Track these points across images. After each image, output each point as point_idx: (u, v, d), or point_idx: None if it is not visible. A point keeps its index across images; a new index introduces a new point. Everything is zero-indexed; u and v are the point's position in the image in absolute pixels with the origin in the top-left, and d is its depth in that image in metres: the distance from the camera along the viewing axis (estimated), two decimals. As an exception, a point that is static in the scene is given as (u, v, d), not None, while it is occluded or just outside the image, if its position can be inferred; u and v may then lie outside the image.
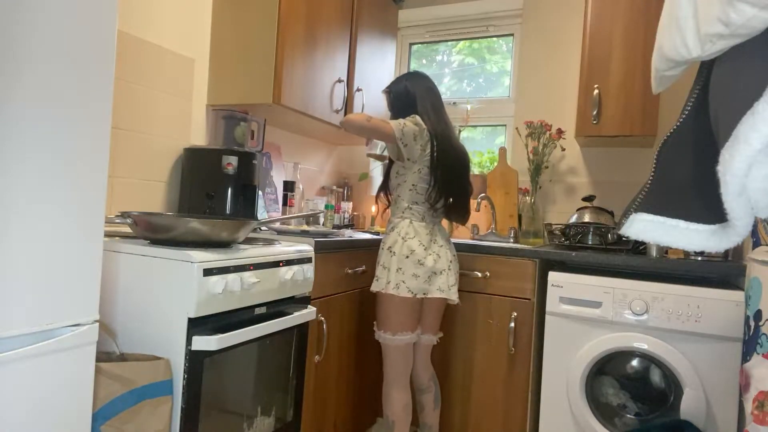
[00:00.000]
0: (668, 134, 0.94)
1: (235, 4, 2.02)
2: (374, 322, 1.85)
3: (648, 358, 1.78)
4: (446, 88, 3.07)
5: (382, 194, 1.92)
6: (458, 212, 1.92)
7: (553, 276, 1.89)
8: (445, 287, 1.76)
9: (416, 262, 1.72)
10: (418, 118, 1.77)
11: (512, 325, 1.99)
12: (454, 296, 1.78)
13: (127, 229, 1.49)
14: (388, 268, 1.75)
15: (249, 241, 1.59)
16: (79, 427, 0.99)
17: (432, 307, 1.88)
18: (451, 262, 1.80)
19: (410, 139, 1.72)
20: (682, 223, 0.89)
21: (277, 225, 2.05)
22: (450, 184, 1.81)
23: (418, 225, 1.78)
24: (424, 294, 1.74)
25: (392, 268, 1.74)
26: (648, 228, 0.92)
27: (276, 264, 1.48)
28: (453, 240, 2.26)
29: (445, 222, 1.99)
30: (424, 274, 1.73)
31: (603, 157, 2.53)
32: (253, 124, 2.13)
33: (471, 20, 2.91)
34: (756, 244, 1.44)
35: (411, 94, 1.83)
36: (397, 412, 1.80)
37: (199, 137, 2.06)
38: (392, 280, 1.73)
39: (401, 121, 1.74)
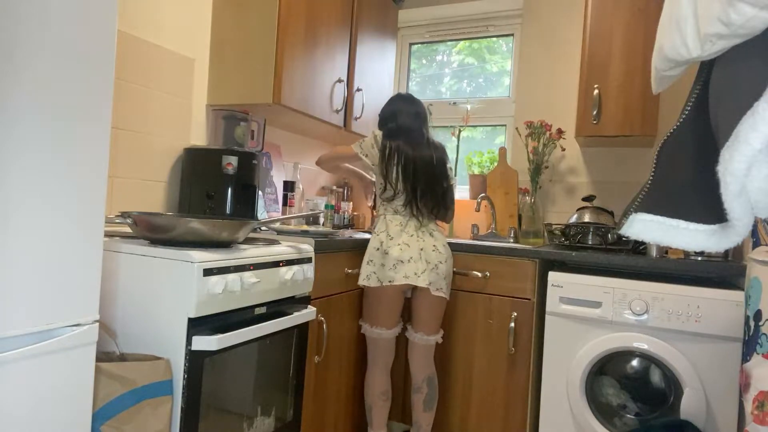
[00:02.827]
0: (668, 134, 0.94)
1: (235, 4, 2.02)
2: None
3: (648, 358, 1.78)
4: (446, 88, 3.07)
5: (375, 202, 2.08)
6: (430, 208, 1.97)
7: (553, 276, 1.89)
8: (411, 274, 1.83)
9: (383, 253, 1.86)
10: (375, 130, 2.00)
11: (512, 325, 1.99)
12: (422, 282, 1.82)
13: (127, 229, 1.49)
14: (363, 261, 1.91)
15: (249, 241, 1.59)
16: (79, 427, 0.99)
17: (422, 305, 1.91)
18: (422, 250, 1.86)
19: (369, 148, 1.96)
20: (682, 223, 0.89)
21: (277, 225, 2.05)
22: (406, 181, 1.91)
23: (391, 218, 1.93)
24: (390, 281, 1.84)
25: (365, 260, 1.89)
26: (648, 228, 0.92)
27: (276, 264, 1.48)
28: (454, 240, 2.26)
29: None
30: (389, 263, 1.84)
31: (603, 157, 2.53)
32: (253, 124, 2.13)
33: (471, 20, 2.91)
34: (756, 244, 1.44)
35: (380, 118, 2.07)
36: (373, 397, 1.96)
37: (199, 137, 2.06)
38: (364, 271, 1.88)
39: (361, 139, 2.02)
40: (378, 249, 1.87)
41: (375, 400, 1.96)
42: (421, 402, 1.96)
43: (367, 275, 1.87)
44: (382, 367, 1.97)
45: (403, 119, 1.98)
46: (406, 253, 1.84)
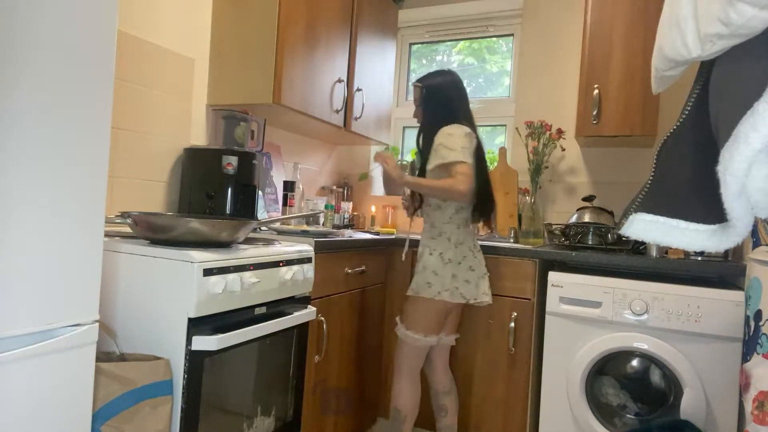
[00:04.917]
0: (668, 134, 0.94)
1: (235, 4, 2.02)
2: (398, 318, 1.86)
3: (648, 358, 1.78)
4: (446, 88, 3.07)
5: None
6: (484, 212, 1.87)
7: (553, 276, 1.89)
8: (487, 290, 1.79)
9: (468, 268, 1.76)
10: (454, 126, 1.74)
11: (512, 325, 1.99)
12: (489, 299, 1.80)
13: (127, 229, 1.49)
14: (440, 274, 1.73)
15: (249, 241, 1.59)
16: (79, 427, 0.99)
17: (458, 309, 1.88)
18: (486, 266, 1.84)
19: (470, 150, 1.74)
20: (682, 223, 0.89)
21: (277, 225, 2.05)
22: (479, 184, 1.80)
23: (463, 230, 1.79)
24: (475, 299, 1.76)
25: (445, 273, 1.73)
26: (648, 228, 0.92)
27: (276, 264, 1.48)
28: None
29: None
30: (474, 280, 1.76)
31: (603, 157, 2.53)
32: (253, 124, 2.13)
33: (471, 20, 2.91)
34: (756, 244, 1.44)
35: (439, 90, 1.82)
36: (409, 407, 1.83)
37: (199, 137, 2.06)
38: (446, 285, 1.73)
39: (458, 146, 1.69)
40: (461, 263, 1.75)
41: (411, 411, 1.84)
42: (455, 401, 1.93)
43: (451, 291, 1.73)
44: (418, 373, 1.85)
45: (464, 97, 1.82)
46: (481, 269, 1.80)
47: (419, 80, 1.87)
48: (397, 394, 1.84)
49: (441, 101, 1.82)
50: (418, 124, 1.89)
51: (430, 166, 1.75)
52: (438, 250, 1.76)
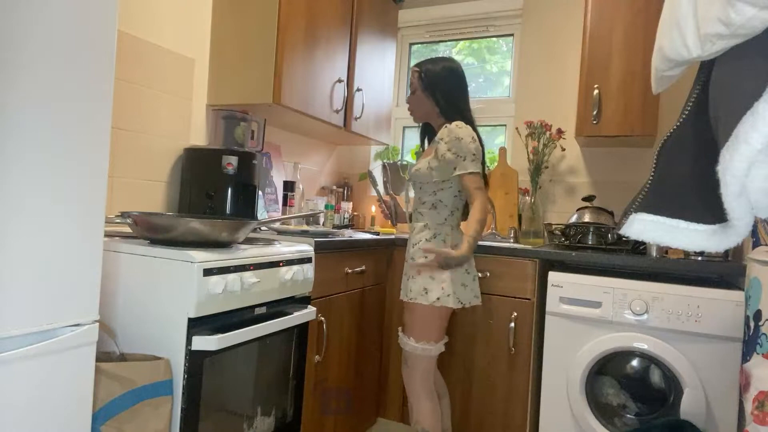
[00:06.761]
0: (668, 134, 0.94)
1: (235, 4, 2.02)
2: (400, 331, 1.75)
3: (648, 358, 1.78)
4: (446, 88, 3.07)
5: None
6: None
7: (553, 276, 1.89)
8: (479, 292, 1.75)
9: (464, 271, 1.69)
10: (461, 127, 1.66)
11: (512, 325, 1.99)
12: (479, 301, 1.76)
13: (127, 229, 1.49)
14: (437, 278, 1.65)
15: (249, 241, 1.59)
16: (79, 427, 0.99)
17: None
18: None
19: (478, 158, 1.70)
20: (682, 223, 0.89)
21: (277, 225, 2.05)
22: None
23: (459, 232, 1.75)
24: (469, 303, 1.69)
25: (444, 279, 1.64)
26: (648, 228, 0.92)
27: (276, 264, 1.48)
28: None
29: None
30: (469, 283, 1.71)
31: (603, 157, 2.53)
32: (253, 124, 2.13)
33: (471, 20, 2.91)
34: (756, 244, 1.44)
35: (447, 85, 1.74)
36: (436, 424, 1.69)
37: (199, 137, 2.06)
38: (448, 291, 1.64)
39: (468, 153, 1.63)
40: (465, 269, 1.69)
41: (437, 427, 1.68)
42: (449, 407, 1.90)
43: (451, 297, 1.64)
44: (433, 388, 1.72)
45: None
46: (473, 271, 1.73)
47: (418, 64, 1.79)
48: (421, 415, 1.67)
49: (441, 90, 1.73)
50: (408, 113, 1.83)
51: (434, 174, 1.69)
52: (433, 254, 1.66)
